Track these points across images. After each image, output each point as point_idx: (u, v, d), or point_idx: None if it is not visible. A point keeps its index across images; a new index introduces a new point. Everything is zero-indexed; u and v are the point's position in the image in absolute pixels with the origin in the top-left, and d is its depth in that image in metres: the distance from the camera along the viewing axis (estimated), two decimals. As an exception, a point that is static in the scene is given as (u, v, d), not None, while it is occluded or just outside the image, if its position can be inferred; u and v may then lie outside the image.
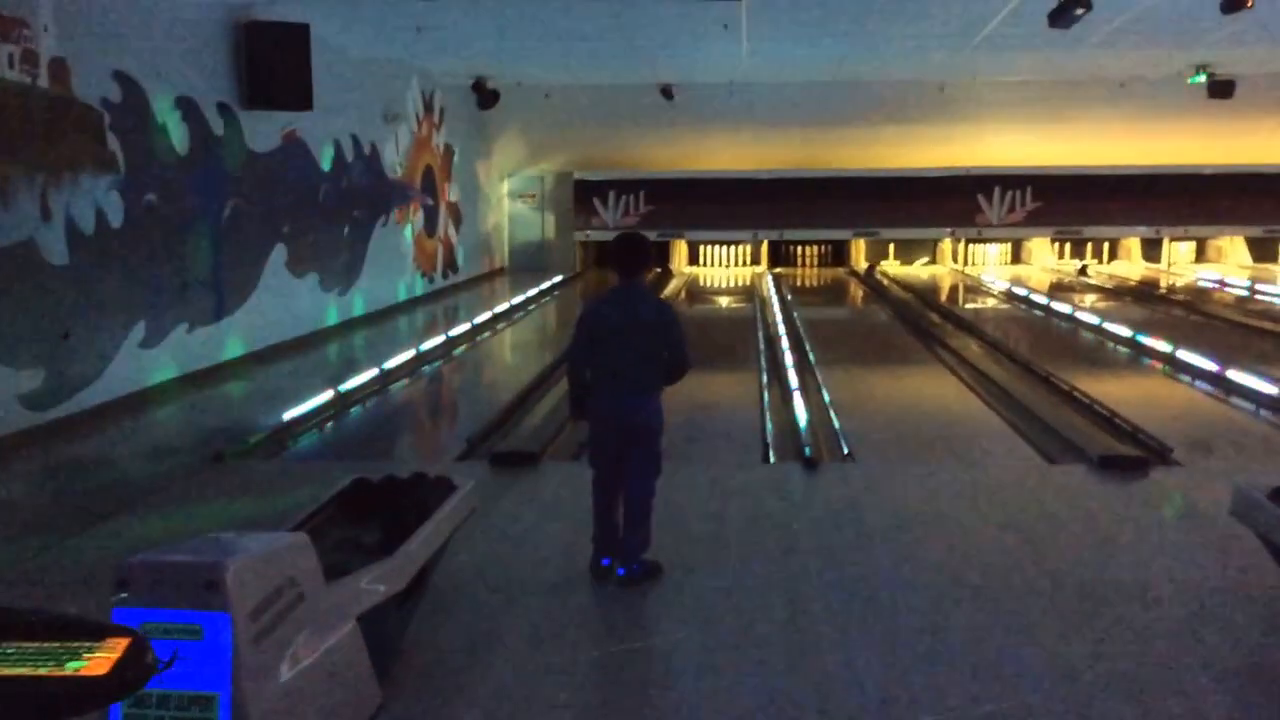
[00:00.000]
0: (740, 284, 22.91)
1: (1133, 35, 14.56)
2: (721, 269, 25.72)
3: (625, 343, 5.39)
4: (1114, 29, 13.84)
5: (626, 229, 23.70)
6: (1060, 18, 11.29)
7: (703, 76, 19.73)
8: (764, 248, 25.46)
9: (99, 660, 2.27)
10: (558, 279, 22.28)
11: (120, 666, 2.27)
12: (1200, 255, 25.71)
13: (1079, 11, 11.01)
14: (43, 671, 2.23)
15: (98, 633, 2.35)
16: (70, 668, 2.24)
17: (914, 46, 16.19)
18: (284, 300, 13.41)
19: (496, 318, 16.75)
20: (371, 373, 11.34)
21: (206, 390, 10.97)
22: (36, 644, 2.30)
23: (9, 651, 2.27)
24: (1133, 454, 7.80)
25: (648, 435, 5.54)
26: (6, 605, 2.54)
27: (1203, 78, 18.37)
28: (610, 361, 5.44)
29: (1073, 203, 24.04)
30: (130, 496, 7.29)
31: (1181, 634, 4.88)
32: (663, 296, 18.59)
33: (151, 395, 10.32)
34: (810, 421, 8.91)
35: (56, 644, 2.30)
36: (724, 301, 20.77)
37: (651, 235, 24.20)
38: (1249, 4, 10.64)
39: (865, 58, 17.33)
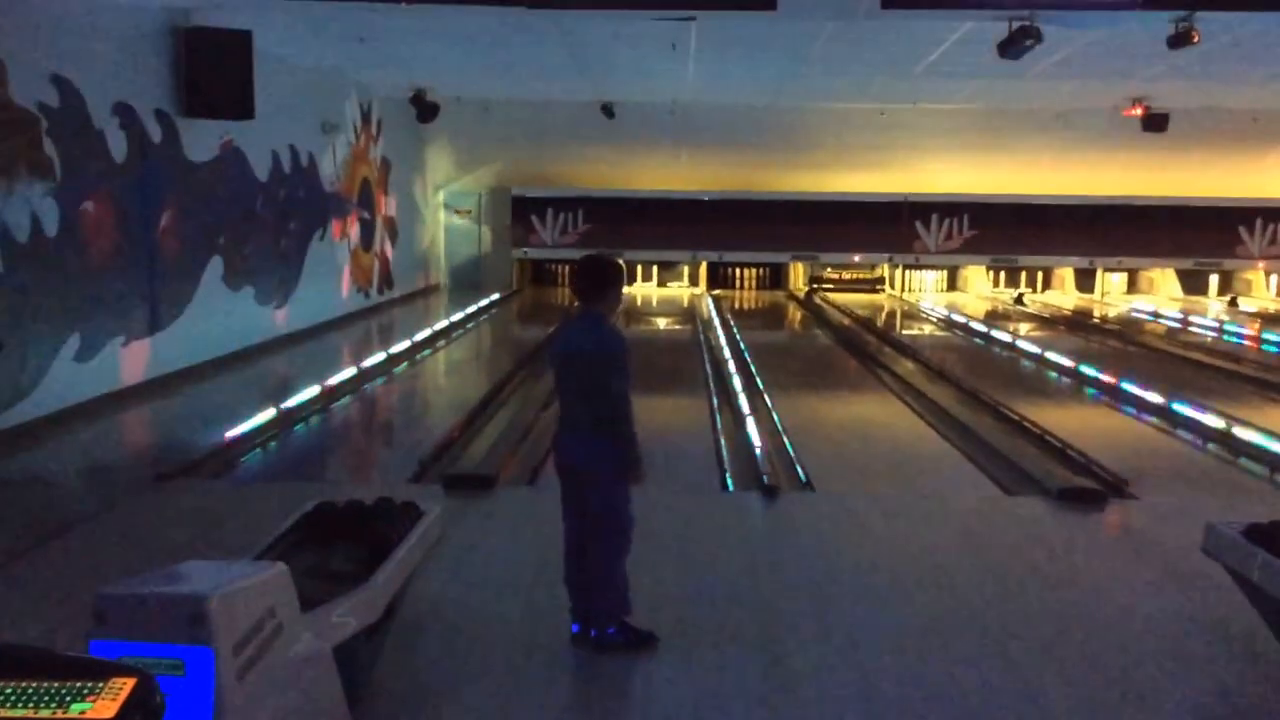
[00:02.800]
0: (679, 305, 22.86)
1: (1074, 67, 14.78)
2: (660, 289, 25.73)
3: (566, 376, 4.94)
4: (1056, 61, 14.03)
5: (564, 247, 24.00)
6: (1010, 48, 11.40)
7: (645, 96, 19.71)
8: (703, 269, 25.48)
9: (105, 702, 2.13)
10: (495, 296, 22.07)
11: (127, 709, 2.14)
12: (1132, 286, 26.20)
13: (1029, 43, 11.12)
14: (45, 714, 2.11)
15: (100, 672, 2.22)
16: (75, 710, 2.12)
17: (858, 73, 16.29)
18: (220, 314, 13.08)
19: (436, 335, 16.51)
20: (314, 390, 11.07)
21: (143, 406, 10.66)
22: (36, 683, 2.17)
23: (7, 691, 2.12)
24: (1091, 487, 7.82)
25: (589, 481, 4.87)
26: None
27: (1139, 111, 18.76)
28: (559, 392, 5.06)
29: (1009, 231, 24.42)
30: (69, 518, 6.99)
31: (1153, 668, 4.90)
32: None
33: (87, 411, 9.98)
34: (765, 448, 8.83)
35: (57, 684, 2.17)
36: (663, 323, 20.70)
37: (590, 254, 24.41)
38: (1195, 39, 10.82)
39: (808, 82, 17.39)
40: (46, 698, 2.15)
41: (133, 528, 6.83)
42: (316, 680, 3.72)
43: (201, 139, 12.48)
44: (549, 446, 9.03)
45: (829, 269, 25.87)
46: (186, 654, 3.09)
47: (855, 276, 25.97)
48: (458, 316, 18.48)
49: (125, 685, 2.19)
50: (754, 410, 10.28)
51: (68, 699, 2.15)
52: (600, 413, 4.76)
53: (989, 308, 22.90)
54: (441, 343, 16.37)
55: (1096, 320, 20.90)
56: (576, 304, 5.04)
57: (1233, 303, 23.92)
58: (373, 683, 4.44)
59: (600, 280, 4.95)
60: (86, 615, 3.16)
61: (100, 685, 2.19)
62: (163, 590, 3.24)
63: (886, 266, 25.64)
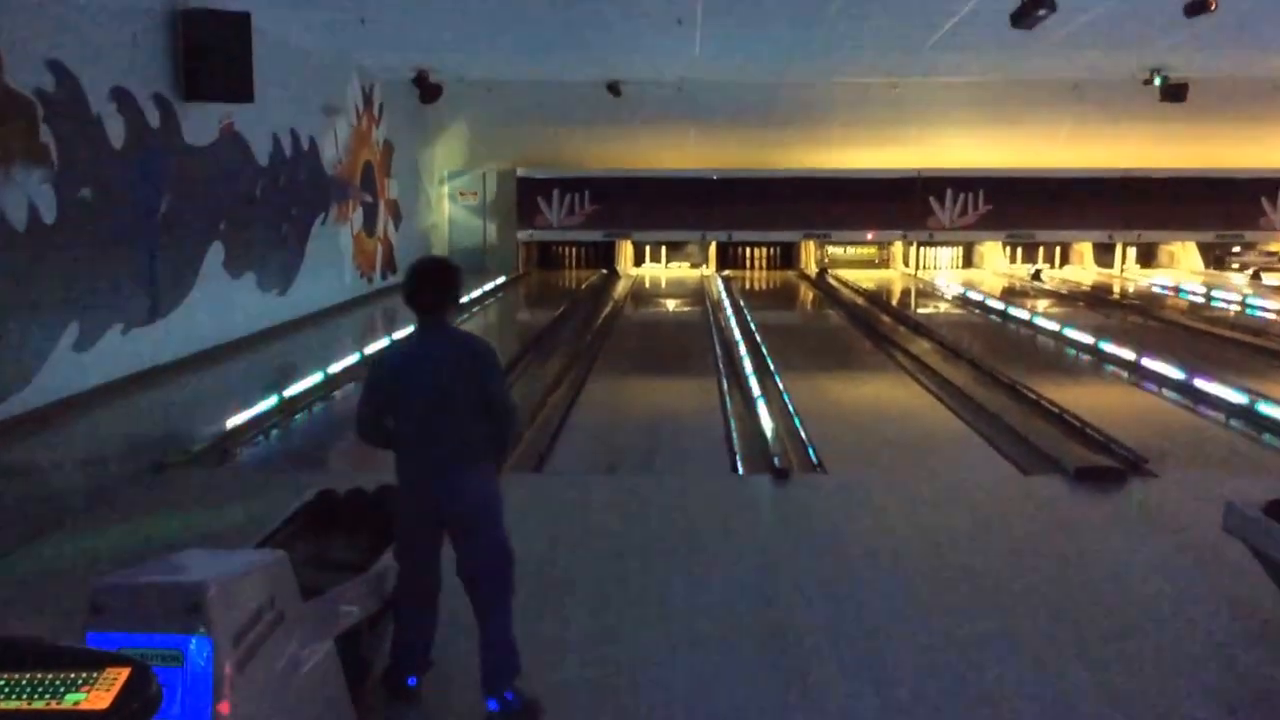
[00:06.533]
0: (688, 286, 22.70)
1: (1091, 37, 14.62)
2: (668, 270, 25.57)
3: (434, 397, 4.21)
4: (1072, 30, 13.86)
5: (570, 229, 23.86)
6: (1023, 19, 11.25)
7: (651, 74, 19.57)
8: (712, 249, 25.28)
9: (99, 694, 2.09)
10: (500, 280, 21.94)
11: (122, 699, 2.10)
12: (1153, 260, 25.88)
13: (1042, 13, 10.96)
14: (39, 705, 2.08)
15: (95, 663, 2.18)
16: (69, 701, 2.08)
17: (869, 45, 16.14)
18: (221, 300, 12.99)
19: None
20: (316, 377, 10.95)
21: (143, 395, 10.55)
22: (30, 675, 2.13)
23: (0, 683, 2.09)
24: (1109, 465, 7.68)
25: (483, 518, 4.28)
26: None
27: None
28: (417, 424, 4.25)
29: (1025, 206, 24.03)
30: (69, 508, 6.96)
31: (1172, 648, 4.81)
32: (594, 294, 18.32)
33: (86, 400, 9.89)
34: (776, 430, 8.72)
35: (51, 675, 2.14)
36: (672, 305, 20.58)
37: (597, 235, 24.30)
38: (1212, 7, 10.67)
39: (818, 55, 17.24)
40: (40, 689, 2.12)
41: (132, 518, 6.74)
42: (318, 669, 3.66)
43: (201, 123, 12.36)
44: (553, 433, 9.03)
45: (835, 247, 25.76)
46: (185, 644, 3.01)
47: (859, 256, 25.86)
48: (462, 300, 18.30)
49: (120, 675, 2.15)
50: (765, 391, 10.16)
51: (62, 690, 2.11)
52: (499, 425, 4.29)
53: (1006, 284, 22.69)
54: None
55: (1116, 295, 20.66)
56: (417, 317, 4.32)
57: (1255, 276, 23.62)
58: (374, 671, 4.38)
59: (447, 284, 4.35)
60: (84, 607, 3.07)
61: (95, 676, 2.15)
62: (160, 580, 3.17)
63: (901, 244, 25.39)
